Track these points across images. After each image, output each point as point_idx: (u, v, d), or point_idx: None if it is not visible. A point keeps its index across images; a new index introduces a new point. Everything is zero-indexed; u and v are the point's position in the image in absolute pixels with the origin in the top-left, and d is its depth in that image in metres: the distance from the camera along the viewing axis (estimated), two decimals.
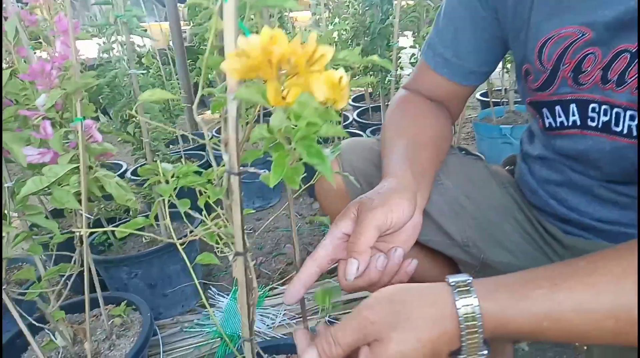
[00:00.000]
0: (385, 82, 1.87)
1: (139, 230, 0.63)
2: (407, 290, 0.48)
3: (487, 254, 0.75)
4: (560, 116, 0.65)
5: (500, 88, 2.17)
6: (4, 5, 0.77)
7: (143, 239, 1.28)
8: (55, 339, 0.89)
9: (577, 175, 0.69)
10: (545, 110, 0.67)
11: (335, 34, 2.21)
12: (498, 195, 0.80)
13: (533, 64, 0.65)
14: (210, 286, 1.36)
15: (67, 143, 0.76)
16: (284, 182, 0.36)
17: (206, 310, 1.23)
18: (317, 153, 0.32)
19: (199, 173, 0.60)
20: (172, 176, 0.60)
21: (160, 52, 2.06)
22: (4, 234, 0.75)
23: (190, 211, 0.61)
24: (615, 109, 0.58)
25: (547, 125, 0.68)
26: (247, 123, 0.45)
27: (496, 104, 1.92)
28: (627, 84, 0.56)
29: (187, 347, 1.12)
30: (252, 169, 0.40)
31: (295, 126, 0.36)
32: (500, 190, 0.80)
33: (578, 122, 0.63)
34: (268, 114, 0.43)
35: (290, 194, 0.62)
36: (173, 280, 1.22)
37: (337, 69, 0.34)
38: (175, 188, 0.58)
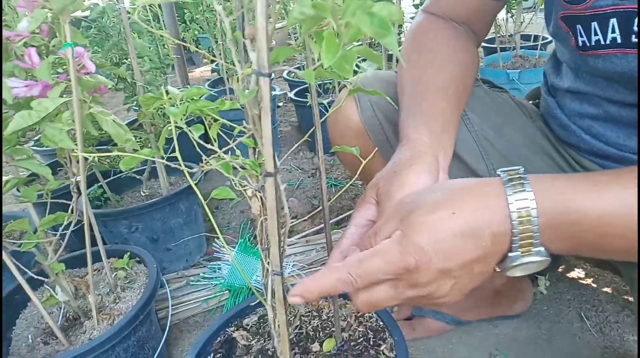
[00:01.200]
0: None
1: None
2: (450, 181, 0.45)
3: None
4: (596, 34, 0.57)
5: (504, 34, 2.09)
6: None
7: (141, 193, 1.22)
8: (56, 294, 0.84)
9: (614, 107, 0.62)
10: (579, 27, 0.59)
11: None
12: (528, 129, 0.73)
13: None
14: (215, 240, 1.31)
15: (57, 76, 0.68)
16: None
17: (212, 263, 1.18)
18: (382, 22, 0.26)
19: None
20: (181, 101, 0.54)
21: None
22: None
23: (202, 143, 0.55)
24: None
25: (580, 44, 0.60)
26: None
27: (503, 49, 1.84)
28: None
29: (194, 301, 1.08)
30: (286, 67, 0.33)
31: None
32: (530, 124, 0.74)
33: (619, 40, 0.55)
34: None
35: (319, 136, 0.53)
36: (176, 234, 1.16)
37: None
38: (185, 113, 0.52)
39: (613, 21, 0.55)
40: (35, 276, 0.78)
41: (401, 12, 0.30)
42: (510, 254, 0.40)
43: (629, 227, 0.37)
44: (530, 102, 0.85)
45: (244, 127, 0.42)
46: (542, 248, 0.39)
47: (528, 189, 0.38)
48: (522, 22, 1.82)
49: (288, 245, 1.23)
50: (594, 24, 0.57)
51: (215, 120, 0.54)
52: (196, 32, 3.47)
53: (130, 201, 1.23)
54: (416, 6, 1.71)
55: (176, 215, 1.14)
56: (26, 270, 0.78)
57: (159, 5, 2.43)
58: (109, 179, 1.23)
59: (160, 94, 0.55)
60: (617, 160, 0.65)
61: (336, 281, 0.41)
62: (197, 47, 3.52)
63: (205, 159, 0.50)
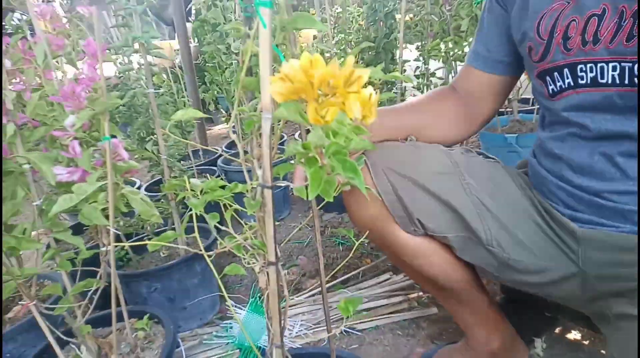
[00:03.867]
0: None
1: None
2: None
3: (510, 254, 0.78)
4: (558, 81, 0.74)
5: None
6: (33, 28, 0.81)
7: (161, 253, 1.30)
8: (81, 353, 0.92)
9: (577, 153, 0.75)
10: (547, 78, 0.76)
11: (340, 49, 2.26)
12: (518, 196, 0.83)
13: (534, 39, 0.75)
14: (227, 298, 1.37)
15: (93, 161, 0.79)
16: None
17: (224, 322, 1.25)
18: (352, 167, 0.35)
19: (222, 188, 0.64)
20: (201, 192, 0.63)
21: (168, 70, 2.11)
22: (32, 251, 0.78)
23: (218, 225, 0.64)
24: (599, 65, 0.69)
25: (550, 92, 0.77)
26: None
27: (500, 114, 1.95)
28: (600, 42, 0.68)
29: None
30: (285, 183, 0.43)
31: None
32: (519, 191, 0.84)
33: (572, 84, 0.73)
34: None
35: (314, 206, 0.64)
36: (191, 293, 1.24)
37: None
38: (204, 202, 0.61)
39: (566, 70, 0.73)
40: (64, 338, 0.85)
41: (372, 144, 0.40)
42: None
43: None
44: (521, 170, 0.94)
45: (249, 226, 0.51)
46: None
47: None
48: (519, 88, 1.93)
49: (295, 304, 1.29)
50: (556, 74, 0.74)
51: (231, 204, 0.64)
52: (215, 93, 3.69)
53: (150, 260, 1.32)
54: (417, 77, 1.84)
55: (192, 275, 1.22)
56: (55, 330, 0.86)
57: (180, 67, 2.62)
58: (133, 240, 1.33)
59: (183, 181, 0.65)
60: (588, 207, 0.75)
61: None
62: (216, 106, 3.72)
63: (220, 242, 0.59)
